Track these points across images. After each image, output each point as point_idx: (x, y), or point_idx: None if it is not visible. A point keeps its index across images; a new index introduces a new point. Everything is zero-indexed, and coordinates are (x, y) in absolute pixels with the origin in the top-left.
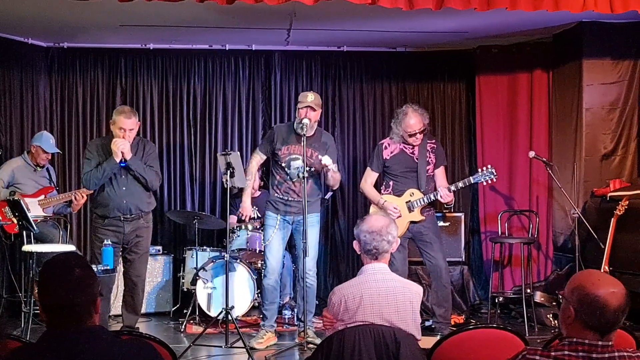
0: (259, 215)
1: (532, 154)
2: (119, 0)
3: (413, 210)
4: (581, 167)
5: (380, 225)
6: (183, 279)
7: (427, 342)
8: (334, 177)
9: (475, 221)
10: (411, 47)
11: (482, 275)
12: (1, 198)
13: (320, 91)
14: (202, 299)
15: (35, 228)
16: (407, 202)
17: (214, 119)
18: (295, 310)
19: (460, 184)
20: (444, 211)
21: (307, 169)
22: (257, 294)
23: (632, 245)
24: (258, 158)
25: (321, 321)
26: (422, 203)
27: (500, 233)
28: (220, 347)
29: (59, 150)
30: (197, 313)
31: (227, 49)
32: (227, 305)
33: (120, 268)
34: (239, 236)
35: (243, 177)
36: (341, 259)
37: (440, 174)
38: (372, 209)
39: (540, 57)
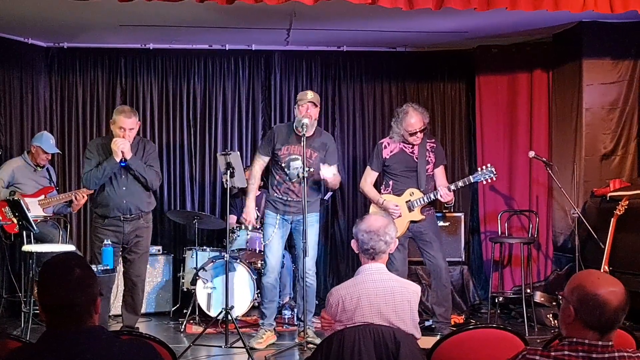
0: (259, 214)
1: (532, 154)
2: (119, 0)
3: (413, 210)
4: (581, 167)
5: (379, 226)
6: (183, 279)
7: (427, 342)
8: (334, 181)
9: (475, 221)
10: (411, 47)
11: (482, 275)
12: (1, 198)
13: (320, 91)
14: (202, 299)
15: (35, 228)
16: (407, 202)
17: (214, 119)
18: (295, 310)
19: (460, 183)
20: (444, 211)
21: (307, 169)
22: (257, 294)
23: (632, 245)
24: (261, 162)
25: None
26: (422, 202)
27: (500, 233)
28: (220, 347)
29: (58, 151)
30: (197, 313)
31: (227, 49)
32: (227, 305)
33: (120, 268)
34: (239, 236)
35: (243, 177)
36: (341, 259)
37: (440, 173)
38: (372, 208)
39: (540, 57)
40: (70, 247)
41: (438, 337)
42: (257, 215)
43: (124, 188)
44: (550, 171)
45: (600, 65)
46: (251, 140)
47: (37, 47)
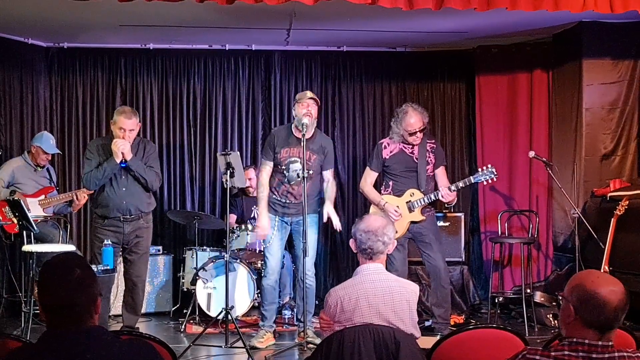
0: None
1: (532, 154)
2: (119, 0)
3: (413, 211)
4: (581, 167)
5: (377, 226)
6: (183, 279)
7: (426, 342)
8: (332, 192)
9: (475, 221)
10: (411, 47)
11: (482, 275)
12: (1, 198)
13: (320, 91)
14: (202, 299)
15: (35, 228)
16: (407, 202)
17: (214, 119)
18: (295, 310)
19: (460, 184)
20: (444, 211)
21: (307, 171)
22: (257, 294)
23: (632, 245)
24: (268, 168)
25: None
26: (423, 203)
27: (500, 233)
28: (220, 347)
29: (59, 151)
30: (197, 313)
31: (227, 49)
32: (227, 305)
33: (121, 268)
34: (238, 236)
35: (243, 177)
36: (341, 259)
37: (441, 173)
38: (372, 209)
39: (540, 57)
40: (71, 247)
41: (438, 337)
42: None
43: (124, 189)
44: (550, 171)
45: (600, 65)
46: (251, 140)
47: (37, 47)
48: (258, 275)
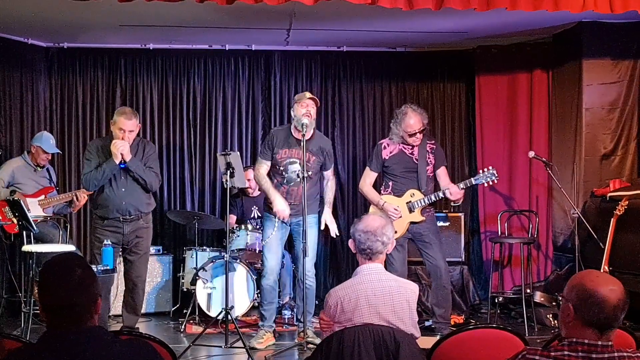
0: (259, 215)
1: (531, 154)
2: (119, 1)
3: (413, 211)
4: (581, 167)
5: (376, 226)
6: (183, 279)
7: (426, 342)
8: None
9: (475, 221)
10: (411, 47)
11: (482, 275)
12: (1, 198)
13: (320, 91)
14: (201, 299)
15: (35, 228)
16: (407, 203)
17: (214, 119)
18: (295, 310)
19: (461, 185)
20: (444, 211)
21: (306, 172)
22: (257, 294)
23: (632, 245)
24: (265, 167)
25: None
26: (423, 204)
27: (500, 233)
28: (220, 347)
29: (59, 151)
30: (196, 313)
31: (227, 49)
32: (226, 305)
33: (121, 268)
34: (238, 236)
35: (243, 177)
36: (341, 259)
37: (443, 174)
38: (372, 209)
39: (540, 57)
40: (70, 247)
41: (438, 337)
42: (258, 216)
43: (123, 189)
44: (550, 171)
45: (600, 65)
46: (251, 140)
47: (37, 47)
48: (258, 275)
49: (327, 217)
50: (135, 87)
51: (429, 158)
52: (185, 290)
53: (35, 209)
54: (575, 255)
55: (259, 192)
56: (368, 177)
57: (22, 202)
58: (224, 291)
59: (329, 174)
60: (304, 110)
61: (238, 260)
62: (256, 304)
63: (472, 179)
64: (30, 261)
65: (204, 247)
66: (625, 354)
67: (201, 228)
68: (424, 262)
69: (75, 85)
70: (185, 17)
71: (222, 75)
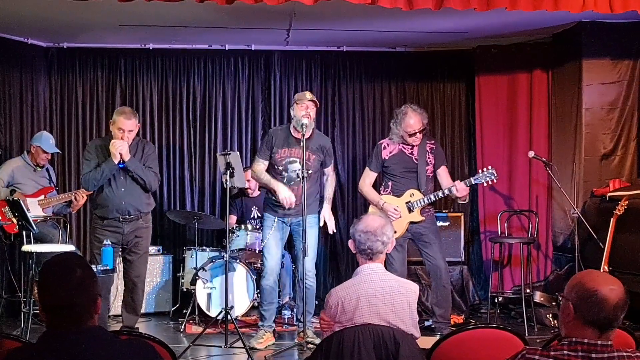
0: (259, 215)
1: (531, 154)
2: (119, 0)
3: (413, 211)
4: (581, 167)
5: (376, 226)
6: (183, 279)
7: (426, 342)
8: (331, 188)
9: (475, 221)
10: (411, 47)
11: (481, 275)
12: (1, 198)
13: (320, 91)
14: (201, 299)
15: (35, 228)
16: (407, 203)
17: (214, 119)
18: (295, 310)
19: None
20: (444, 211)
21: (306, 171)
22: (257, 294)
23: (631, 245)
24: (262, 165)
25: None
26: (422, 203)
27: (500, 233)
28: (220, 347)
29: (58, 150)
30: (196, 313)
31: (226, 49)
32: (226, 305)
33: (120, 268)
34: (238, 236)
35: (243, 177)
36: (341, 259)
37: (444, 173)
38: (372, 209)
39: (539, 57)
40: (70, 247)
41: (438, 337)
42: (258, 216)
43: (123, 189)
44: (550, 171)
45: (599, 65)
46: (251, 140)
47: (37, 47)
48: (257, 275)
49: (326, 214)
50: (135, 87)
51: (428, 158)
52: (185, 290)
53: (35, 209)
54: (575, 255)
55: (259, 192)
56: (368, 177)
57: (21, 202)
58: (223, 291)
59: (329, 170)
60: (304, 112)
61: (238, 260)
62: (256, 304)
63: (471, 178)
64: (30, 261)
65: (204, 247)
66: (624, 353)
67: (201, 228)
68: (423, 262)
69: (75, 85)
70: (185, 17)
71: (222, 75)
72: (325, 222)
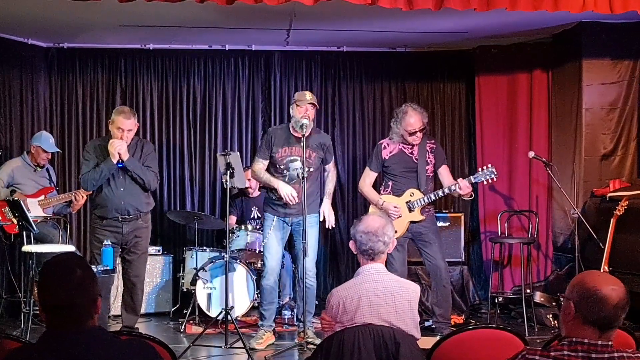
0: (259, 215)
1: (531, 154)
2: (119, 1)
3: (413, 210)
4: (581, 167)
5: (377, 226)
6: (183, 279)
7: (427, 342)
8: (331, 183)
9: (475, 221)
10: (411, 47)
11: (482, 276)
12: (1, 198)
13: (320, 91)
14: (201, 299)
15: (35, 228)
16: (407, 202)
17: (214, 119)
18: (295, 310)
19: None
20: (445, 211)
21: (307, 169)
22: (257, 294)
23: (632, 245)
24: (261, 165)
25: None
26: (422, 203)
27: (500, 233)
28: (220, 347)
29: (58, 150)
30: (196, 313)
31: (226, 49)
32: (226, 305)
33: (120, 268)
34: (238, 236)
35: (243, 178)
36: (341, 259)
37: (445, 172)
38: (372, 209)
39: (540, 57)
40: (70, 248)
41: (438, 337)
42: (258, 216)
43: (122, 189)
44: (550, 171)
45: (599, 65)
46: (251, 141)
47: (37, 47)
48: (258, 275)
49: (326, 208)
50: (135, 87)
51: (428, 157)
52: (185, 290)
53: (35, 209)
54: (575, 255)
55: (259, 193)
56: (368, 177)
57: (22, 202)
58: (223, 291)
59: (329, 166)
60: (303, 114)
61: (238, 261)
62: (256, 304)
63: (471, 177)
64: (30, 261)
65: (204, 247)
66: (625, 354)
67: (201, 228)
68: (423, 262)
69: (75, 85)
70: (185, 17)
71: (222, 75)
72: (324, 217)
